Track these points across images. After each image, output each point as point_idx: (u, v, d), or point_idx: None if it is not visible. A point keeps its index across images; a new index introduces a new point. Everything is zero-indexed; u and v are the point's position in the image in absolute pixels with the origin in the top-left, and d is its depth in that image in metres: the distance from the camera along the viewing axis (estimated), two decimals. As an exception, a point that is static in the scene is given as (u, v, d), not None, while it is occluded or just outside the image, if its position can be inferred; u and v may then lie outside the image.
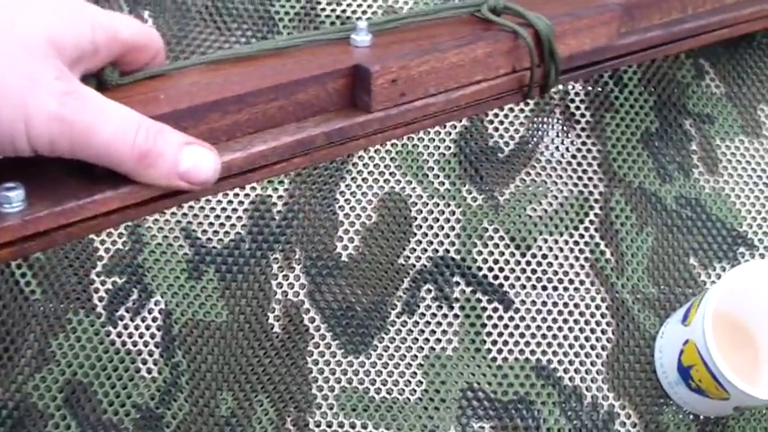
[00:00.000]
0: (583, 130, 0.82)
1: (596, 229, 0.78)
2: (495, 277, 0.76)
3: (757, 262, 0.68)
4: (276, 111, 0.53)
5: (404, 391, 0.71)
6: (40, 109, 0.43)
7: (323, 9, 0.85)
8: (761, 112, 0.85)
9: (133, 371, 0.70)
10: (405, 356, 0.72)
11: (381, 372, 0.72)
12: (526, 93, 0.65)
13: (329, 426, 0.70)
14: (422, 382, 0.72)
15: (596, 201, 0.79)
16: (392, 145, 0.78)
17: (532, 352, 0.74)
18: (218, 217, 0.75)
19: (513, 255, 0.76)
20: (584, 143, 0.81)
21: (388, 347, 0.73)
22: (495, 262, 0.76)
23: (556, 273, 0.76)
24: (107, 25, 0.48)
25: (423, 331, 0.73)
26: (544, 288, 0.76)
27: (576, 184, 0.80)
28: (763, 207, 0.80)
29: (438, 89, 0.59)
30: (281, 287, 0.74)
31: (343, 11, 0.85)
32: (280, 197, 0.76)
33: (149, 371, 0.70)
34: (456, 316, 0.74)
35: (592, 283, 0.76)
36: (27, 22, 0.44)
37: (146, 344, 0.71)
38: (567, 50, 0.65)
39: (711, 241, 0.79)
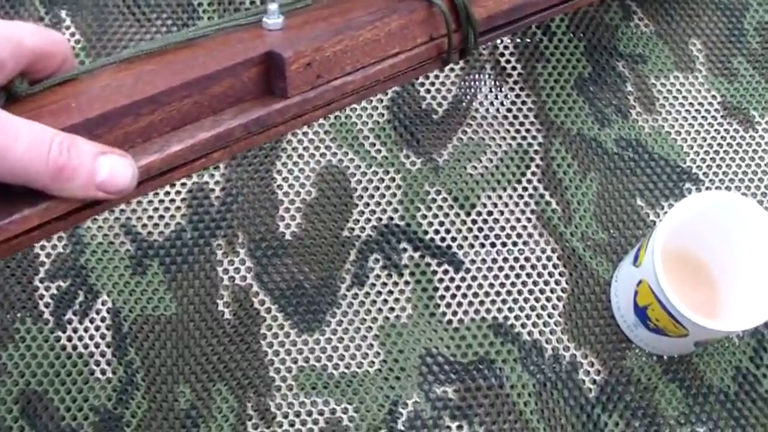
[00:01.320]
0: (516, 82, 0.81)
1: (539, 181, 0.77)
2: (443, 239, 0.75)
3: (700, 194, 0.67)
4: (191, 107, 0.52)
5: (362, 363, 0.71)
6: None
7: (243, -8, 0.84)
8: (692, 47, 0.84)
9: (87, 373, 0.69)
10: (359, 329, 0.72)
11: (337, 347, 0.71)
12: (446, 59, 0.64)
13: (291, 407, 0.69)
14: (379, 353, 0.71)
15: (536, 152, 0.78)
16: (325, 118, 0.77)
17: (488, 311, 0.73)
18: (156, 209, 0.74)
19: (458, 215, 0.76)
20: (518, 96, 0.81)
21: (342, 322, 0.72)
22: (441, 224, 0.75)
23: (503, 228, 0.76)
24: (9, 37, 0.47)
25: (375, 302, 0.73)
26: (493, 245, 0.75)
27: (514, 138, 0.79)
28: (705, 141, 0.80)
29: (355, 66, 0.58)
30: (228, 273, 0.73)
31: (263, -8, 0.84)
32: (217, 182, 0.75)
33: (103, 372, 0.69)
34: (407, 283, 0.73)
35: (540, 235, 0.75)
36: None
37: (97, 345, 0.70)
38: (485, 12, 0.64)
39: (656, 180, 0.78)
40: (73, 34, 0.80)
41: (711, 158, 0.79)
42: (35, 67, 0.49)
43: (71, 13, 0.81)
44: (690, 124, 0.80)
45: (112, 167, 0.46)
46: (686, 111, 0.81)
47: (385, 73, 0.60)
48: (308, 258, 0.73)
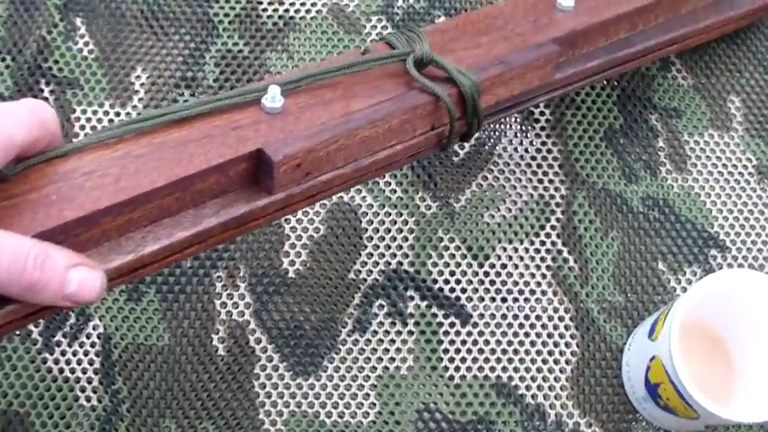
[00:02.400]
0: (543, 129, 0.78)
1: (558, 235, 0.74)
2: (452, 290, 0.72)
3: (725, 272, 0.64)
4: (173, 202, 0.50)
5: (356, 414, 0.68)
6: None
7: (264, 9, 0.80)
8: (730, 104, 0.81)
9: (71, 399, 0.67)
10: (357, 377, 0.69)
11: (332, 394, 0.68)
12: (444, 145, 0.61)
13: (278, 453, 0.67)
14: (375, 404, 0.68)
15: (558, 204, 0.75)
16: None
17: (492, 369, 0.70)
18: (157, 234, 0.72)
19: (470, 265, 0.73)
20: (544, 143, 0.77)
21: (339, 368, 0.69)
22: (452, 273, 0.72)
23: (516, 283, 0.72)
24: (1, 135, 0.46)
25: (375, 350, 0.70)
26: (504, 300, 0.72)
27: (536, 188, 0.75)
28: (735, 206, 0.76)
29: (347, 161, 0.55)
30: (226, 307, 0.70)
31: (286, 10, 0.81)
32: (222, 211, 0.72)
33: (88, 399, 0.67)
34: (410, 332, 0.70)
35: (554, 293, 0.72)
36: None
37: (84, 370, 0.67)
38: (494, 99, 0.61)
39: (681, 244, 0.75)
40: (87, 44, 0.78)
41: (741, 225, 0.76)
42: (24, 154, 0.48)
43: (86, 22, 0.78)
44: (721, 187, 0.77)
45: (81, 280, 0.46)
46: (718, 172, 0.77)
47: (378, 164, 0.57)
48: (310, 298, 0.70)
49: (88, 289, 0.46)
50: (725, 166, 0.78)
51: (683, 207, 0.76)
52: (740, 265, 0.75)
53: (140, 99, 0.76)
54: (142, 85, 0.77)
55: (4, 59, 0.77)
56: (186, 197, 0.50)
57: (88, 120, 0.75)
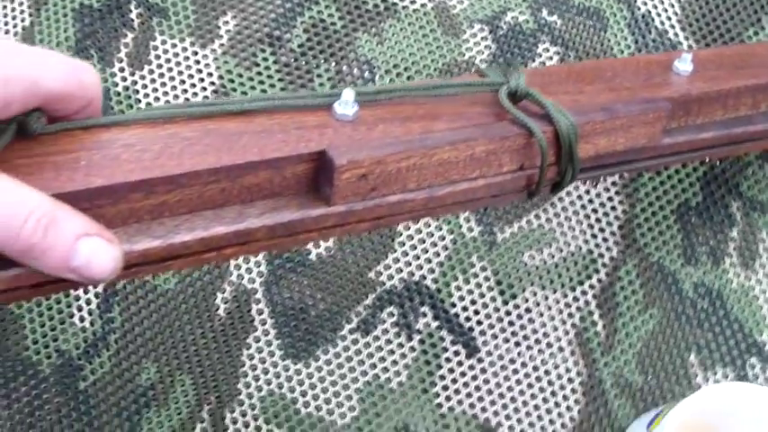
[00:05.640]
0: (614, 184, 0.74)
1: (594, 296, 0.70)
2: (468, 318, 0.69)
3: (735, 385, 0.59)
4: (217, 192, 0.46)
5: (333, 411, 0.66)
6: None
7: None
8: (822, 215, 0.75)
9: (66, 315, 0.67)
10: (345, 376, 0.67)
11: (316, 385, 0.67)
12: (533, 191, 0.55)
13: (245, 426, 0.65)
14: (354, 408, 0.66)
15: (604, 265, 0.71)
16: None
17: (483, 409, 0.67)
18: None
19: (494, 299, 0.70)
20: (610, 198, 0.73)
21: (331, 362, 0.67)
22: (473, 302, 0.69)
23: (535, 331, 0.69)
24: (26, 76, 0.42)
25: (372, 355, 0.68)
26: (517, 344, 0.69)
27: (587, 241, 0.72)
28: (792, 320, 0.71)
29: (420, 185, 0.50)
30: (239, 269, 0.69)
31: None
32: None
33: (82, 319, 0.67)
34: (412, 348, 0.68)
35: (572, 353, 0.69)
36: None
37: (85, 291, 0.67)
38: (593, 150, 0.55)
39: (721, 342, 0.70)
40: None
41: (792, 342, 0.71)
42: (52, 106, 0.44)
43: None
44: (784, 296, 0.72)
45: (92, 254, 0.41)
46: (786, 280, 0.72)
47: (455, 197, 0.51)
48: (323, 285, 0.69)
49: (99, 265, 0.41)
50: (797, 276, 0.73)
51: (735, 305, 0.71)
52: (778, 382, 0.70)
53: (221, 45, 0.75)
54: (228, 31, 0.76)
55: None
56: (233, 190, 0.46)
57: (165, 51, 0.75)
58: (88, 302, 0.67)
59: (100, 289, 0.67)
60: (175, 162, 0.44)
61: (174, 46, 0.75)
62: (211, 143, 0.46)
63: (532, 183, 0.55)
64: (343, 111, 0.49)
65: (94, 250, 0.41)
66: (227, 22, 0.76)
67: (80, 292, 0.67)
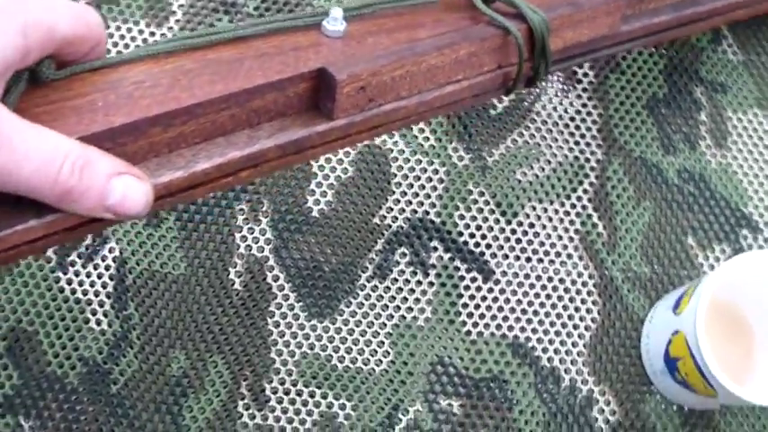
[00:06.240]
0: (584, 90, 0.76)
1: (590, 200, 0.72)
2: (477, 245, 0.70)
3: (756, 252, 0.62)
4: (227, 119, 0.48)
5: (369, 360, 0.67)
6: None
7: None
8: (779, 84, 0.79)
9: (82, 321, 0.65)
10: (373, 324, 0.68)
11: (346, 339, 0.67)
12: (510, 87, 0.59)
13: (286, 393, 0.65)
14: (389, 353, 0.67)
15: (592, 169, 0.73)
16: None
17: (510, 328, 0.69)
18: (182, 161, 0.70)
19: (497, 221, 0.71)
20: (584, 105, 0.75)
21: (356, 313, 0.68)
22: (478, 228, 0.71)
23: (542, 244, 0.71)
24: (41, 22, 0.42)
25: (394, 298, 0.68)
26: (528, 260, 0.70)
27: (571, 149, 0.74)
28: (772, 187, 0.75)
29: (411, 92, 0.53)
30: (246, 240, 0.69)
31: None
32: (251, 143, 0.71)
33: (99, 322, 0.66)
34: (431, 284, 0.69)
35: (580, 258, 0.71)
36: None
37: (97, 293, 0.66)
38: (561, 43, 0.59)
39: (713, 221, 0.73)
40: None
41: (776, 207, 0.74)
42: (64, 50, 0.45)
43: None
44: (760, 167, 0.75)
45: (126, 191, 0.43)
46: (759, 152, 0.76)
47: (443, 100, 0.55)
48: (331, 240, 0.69)
49: (133, 201, 0.43)
50: (766, 146, 0.76)
51: (718, 183, 0.74)
52: (771, 248, 0.73)
53: (177, 21, 0.74)
54: (180, 6, 0.75)
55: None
56: (242, 115, 0.48)
57: (122, 37, 0.73)
58: (101, 304, 0.66)
59: (111, 288, 0.66)
60: (187, 93, 0.46)
61: (128, 30, 0.73)
62: (216, 72, 0.48)
63: (509, 79, 0.58)
64: (333, 27, 0.52)
65: (127, 187, 0.43)
66: (176, -2, 0.75)
67: (91, 294, 0.66)
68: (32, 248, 0.43)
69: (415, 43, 0.53)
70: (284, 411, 0.65)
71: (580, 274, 0.70)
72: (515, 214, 0.71)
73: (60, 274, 0.66)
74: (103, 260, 0.67)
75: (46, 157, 0.40)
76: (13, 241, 0.42)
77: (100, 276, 0.67)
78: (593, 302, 0.70)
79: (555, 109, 0.75)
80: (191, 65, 0.48)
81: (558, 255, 0.71)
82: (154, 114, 0.45)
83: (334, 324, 0.67)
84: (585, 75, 0.77)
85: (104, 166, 0.43)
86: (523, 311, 0.69)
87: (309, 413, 0.65)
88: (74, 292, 0.66)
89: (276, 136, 0.49)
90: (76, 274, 0.67)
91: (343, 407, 0.65)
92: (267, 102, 0.49)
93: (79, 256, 0.67)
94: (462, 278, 0.69)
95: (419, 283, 0.69)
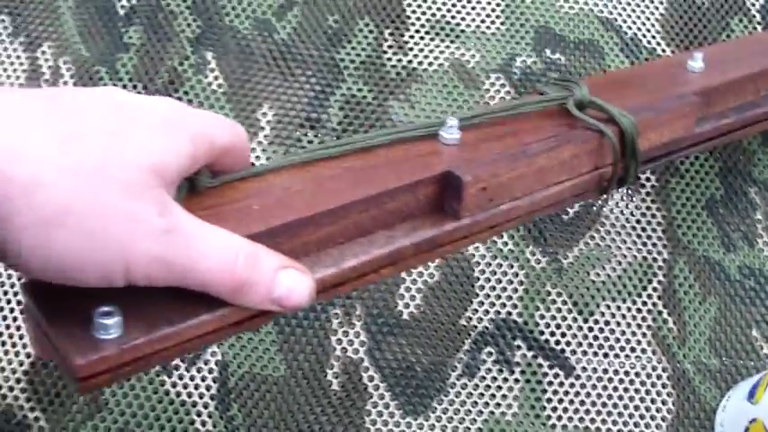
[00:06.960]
0: (648, 194, 0.81)
1: (659, 297, 0.77)
2: (557, 342, 0.74)
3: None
4: (368, 220, 0.52)
5: (462, 455, 0.70)
6: (142, 253, 0.42)
7: (389, 58, 0.83)
8: (826, 184, 0.84)
9: (187, 423, 0.68)
10: (464, 420, 0.71)
11: (440, 435, 0.71)
12: (605, 188, 0.63)
13: (385, 488, 0.68)
14: (481, 448, 0.70)
15: (660, 268, 0.78)
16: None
17: (592, 420, 0.72)
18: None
19: (575, 320, 0.75)
20: (648, 208, 0.80)
21: (448, 410, 0.71)
22: (558, 326, 0.75)
23: (617, 340, 0.75)
24: (204, 134, 0.47)
25: (483, 395, 0.72)
26: (605, 355, 0.74)
27: (639, 250, 0.78)
28: (826, 282, 0.80)
29: (524, 192, 0.57)
30: (341, 343, 0.72)
31: (410, 61, 0.83)
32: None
33: (204, 423, 0.68)
34: (516, 380, 0.73)
35: (653, 352, 0.75)
36: (129, 152, 0.42)
37: (201, 396, 0.69)
38: (646, 144, 0.63)
39: (774, 314, 0.78)
40: (216, 78, 0.80)
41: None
42: (220, 160, 0.49)
43: (217, 57, 0.81)
44: (814, 263, 0.80)
45: (291, 284, 0.46)
46: (813, 248, 0.81)
47: (549, 200, 0.59)
48: (422, 341, 0.73)
49: (297, 293, 0.46)
50: (818, 242, 0.81)
51: (777, 278, 0.79)
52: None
53: (266, 136, 0.78)
54: (268, 122, 0.79)
55: (135, 86, 0.79)
56: (379, 216, 0.52)
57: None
58: (206, 406, 0.69)
59: (215, 391, 0.69)
60: (333, 196, 0.50)
61: (223, 146, 0.78)
62: (354, 177, 0.53)
63: (604, 180, 0.63)
64: (450, 135, 0.57)
65: (292, 280, 0.46)
66: (265, 114, 0.79)
67: (195, 397, 0.69)
68: (203, 340, 0.46)
69: (525, 147, 0.57)
70: (383, 506, 0.68)
71: (654, 368, 0.74)
72: (591, 313, 0.76)
73: (165, 378, 0.69)
74: (206, 364, 0.70)
75: (223, 254, 0.44)
76: (187, 335, 0.45)
77: (203, 379, 0.70)
78: (668, 394, 0.74)
79: (622, 212, 0.80)
80: (329, 172, 0.53)
81: (633, 350, 0.75)
82: (306, 216, 0.49)
83: (427, 421, 0.71)
84: (648, 179, 0.81)
85: (272, 260, 0.46)
86: (603, 404, 0.73)
87: (407, 507, 0.68)
88: (179, 394, 0.69)
89: (411, 235, 0.53)
90: (180, 377, 0.70)
91: (439, 500, 0.69)
92: (400, 204, 0.53)
93: (182, 360, 0.70)
94: (545, 374, 0.73)
95: (505, 380, 0.73)
